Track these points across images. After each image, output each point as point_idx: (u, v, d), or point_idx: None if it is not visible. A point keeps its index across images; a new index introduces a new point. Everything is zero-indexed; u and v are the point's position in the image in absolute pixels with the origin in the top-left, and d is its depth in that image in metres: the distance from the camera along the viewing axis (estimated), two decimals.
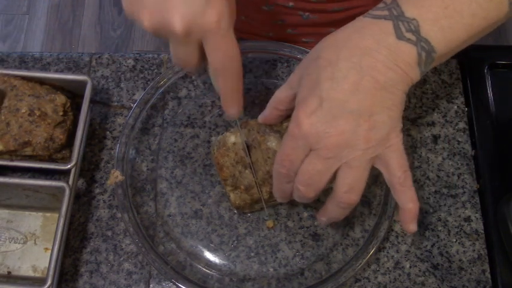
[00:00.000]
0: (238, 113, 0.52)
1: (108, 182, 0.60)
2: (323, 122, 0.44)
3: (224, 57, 0.47)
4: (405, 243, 0.61)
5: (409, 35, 0.45)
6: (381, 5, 0.48)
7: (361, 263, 0.57)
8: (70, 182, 0.58)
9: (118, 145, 0.61)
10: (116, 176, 0.59)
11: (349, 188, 0.46)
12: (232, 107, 0.51)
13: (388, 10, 0.46)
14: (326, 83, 0.45)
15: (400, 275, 0.60)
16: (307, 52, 0.65)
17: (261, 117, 0.56)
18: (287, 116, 0.55)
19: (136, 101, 0.64)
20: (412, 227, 0.48)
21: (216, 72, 0.49)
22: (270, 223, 0.61)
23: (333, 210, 0.50)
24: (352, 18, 0.71)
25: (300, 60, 0.66)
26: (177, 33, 0.43)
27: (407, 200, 0.48)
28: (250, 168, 0.56)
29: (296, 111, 0.46)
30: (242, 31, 0.80)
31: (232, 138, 0.57)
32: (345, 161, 0.45)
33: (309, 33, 0.76)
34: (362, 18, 0.48)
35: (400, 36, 0.45)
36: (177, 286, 0.56)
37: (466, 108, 0.67)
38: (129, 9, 0.45)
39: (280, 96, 0.52)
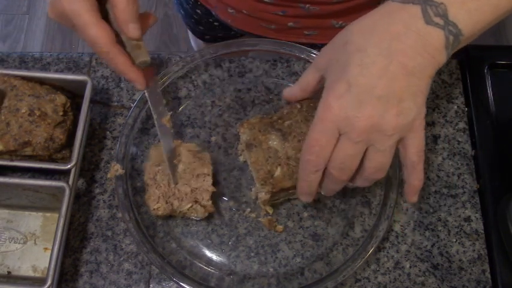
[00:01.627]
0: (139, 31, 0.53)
1: (109, 174, 0.60)
2: (352, 107, 0.45)
3: (90, 41, 0.49)
4: (405, 243, 0.61)
5: (437, 20, 0.45)
6: None
7: (360, 262, 0.57)
8: (70, 182, 0.58)
9: (118, 145, 0.61)
10: (116, 169, 0.59)
11: (376, 170, 0.49)
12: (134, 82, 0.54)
13: None
14: (355, 68, 0.46)
15: (400, 275, 0.60)
16: (308, 51, 0.65)
17: (287, 94, 0.58)
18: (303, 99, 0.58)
19: (136, 101, 0.64)
20: (414, 198, 0.52)
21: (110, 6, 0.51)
22: (280, 228, 0.61)
23: (360, 183, 0.52)
24: (352, 9, 0.71)
25: (300, 59, 0.66)
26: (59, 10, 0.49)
27: (415, 178, 0.51)
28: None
29: (325, 95, 0.47)
30: (244, 24, 0.80)
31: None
32: (372, 143, 0.47)
33: (310, 26, 0.75)
34: (390, 2, 0.48)
35: (428, 20, 0.45)
36: (179, 285, 0.56)
37: (466, 108, 0.67)
38: (50, 13, 0.51)
39: (308, 78, 0.54)
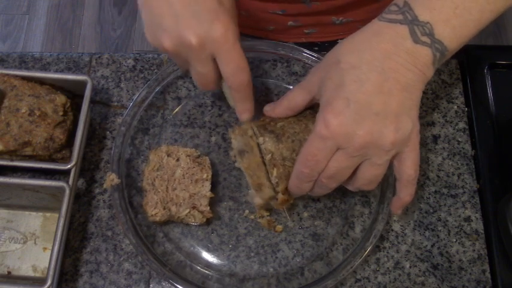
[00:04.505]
0: (250, 117, 0.57)
1: (105, 185, 0.60)
2: (352, 123, 0.46)
3: (234, 67, 0.51)
4: (405, 243, 0.61)
5: (424, 38, 0.47)
6: (393, 7, 0.49)
7: (358, 261, 0.57)
8: (70, 182, 0.58)
9: (113, 147, 0.61)
10: (112, 179, 0.59)
11: (369, 182, 0.51)
12: (244, 114, 0.57)
13: (402, 14, 0.48)
14: (352, 85, 0.47)
15: (400, 275, 0.60)
16: (306, 53, 0.65)
17: (270, 112, 0.57)
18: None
19: (132, 101, 0.64)
20: (399, 211, 0.55)
21: (229, 82, 0.53)
22: (279, 227, 0.61)
23: (350, 188, 0.54)
24: (353, 5, 0.71)
25: (299, 60, 0.66)
26: (193, 46, 0.49)
27: (407, 193, 0.53)
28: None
29: (323, 113, 0.47)
30: (243, 25, 0.80)
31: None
32: (369, 157, 0.48)
33: (310, 23, 0.75)
34: (377, 22, 0.49)
35: (416, 40, 0.47)
36: (176, 287, 0.56)
37: (466, 108, 0.67)
38: (150, 36, 0.51)
39: (297, 98, 0.55)
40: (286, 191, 0.57)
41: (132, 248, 0.60)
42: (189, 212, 0.58)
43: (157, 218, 0.58)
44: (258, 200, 0.57)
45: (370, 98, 0.46)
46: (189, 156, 0.61)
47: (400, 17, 0.48)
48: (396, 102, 0.47)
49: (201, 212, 0.58)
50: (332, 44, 0.80)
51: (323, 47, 0.82)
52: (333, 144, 0.47)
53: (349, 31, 0.77)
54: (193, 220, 0.58)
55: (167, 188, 0.59)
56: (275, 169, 0.56)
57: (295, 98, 0.55)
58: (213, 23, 0.48)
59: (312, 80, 0.52)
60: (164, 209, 0.58)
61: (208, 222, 0.61)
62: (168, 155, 0.61)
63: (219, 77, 0.54)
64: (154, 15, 0.50)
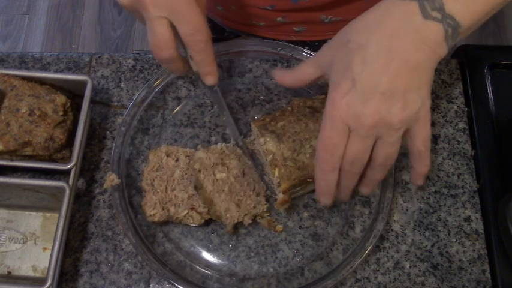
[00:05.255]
0: (215, 81, 0.58)
1: (105, 185, 0.60)
2: (358, 103, 0.46)
3: (191, 27, 0.51)
4: (405, 243, 0.61)
5: (434, 14, 0.47)
6: None
7: (358, 260, 0.57)
8: (70, 182, 0.58)
9: (113, 147, 0.61)
10: (112, 179, 0.59)
11: (385, 160, 0.51)
12: (208, 76, 0.57)
13: None
14: (358, 66, 0.47)
15: (400, 275, 0.60)
16: (306, 52, 0.65)
17: (279, 78, 0.57)
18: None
19: (132, 101, 0.64)
20: (420, 182, 0.54)
21: (187, 44, 0.53)
22: (279, 227, 0.61)
23: (371, 175, 0.53)
24: (341, 2, 0.71)
25: (299, 60, 0.66)
26: (146, 3, 0.49)
27: (421, 165, 0.53)
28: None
29: (331, 94, 0.48)
30: (233, 21, 0.80)
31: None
32: (380, 136, 0.48)
33: (299, 21, 0.75)
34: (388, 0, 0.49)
35: (426, 15, 0.47)
36: (176, 287, 0.56)
37: (466, 108, 0.67)
38: None
39: (307, 71, 0.54)
40: (287, 190, 0.57)
41: (132, 248, 0.60)
42: (188, 213, 0.58)
43: (156, 219, 0.58)
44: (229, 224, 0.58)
45: (376, 78, 0.46)
46: (188, 156, 0.61)
47: None
48: (404, 81, 0.47)
49: (200, 213, 0.58)
50: (322, 43, 0.80)
51: (313, 46, 0.82)
52: (343, 124, 0.47)
53: (339, 30, 0.77)
54: (191, 221, 0.58)
55: (166, 188, 0.59)
56: (276, 169, 0.56)
57: (306, 70, 0.55)
58: None
59: (323, 57, 0.53)
60: (163, 209, 0.58)
61: (208, 222, 0.61)
62: (168, 156, 0.61)
63: (175, 42, 0.53)
64: None
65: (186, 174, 0.60)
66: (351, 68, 0.47)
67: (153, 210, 0.58)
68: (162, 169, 0.60)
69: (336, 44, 0.51)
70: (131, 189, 0.62)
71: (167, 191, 0.59)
